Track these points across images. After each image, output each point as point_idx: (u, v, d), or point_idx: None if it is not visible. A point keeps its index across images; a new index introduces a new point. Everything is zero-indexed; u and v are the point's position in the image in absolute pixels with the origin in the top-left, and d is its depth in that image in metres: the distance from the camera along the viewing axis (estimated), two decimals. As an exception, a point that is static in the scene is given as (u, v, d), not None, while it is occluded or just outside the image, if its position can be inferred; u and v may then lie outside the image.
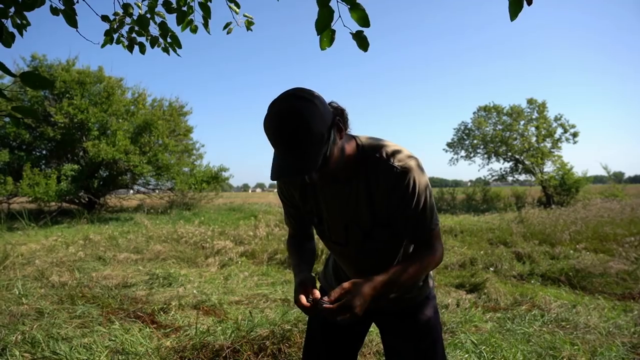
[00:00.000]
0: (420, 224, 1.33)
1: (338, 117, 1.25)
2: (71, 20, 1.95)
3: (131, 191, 19.42)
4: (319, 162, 1.17)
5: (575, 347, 3.09)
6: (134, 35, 2.81)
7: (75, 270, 5.70)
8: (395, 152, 1.32)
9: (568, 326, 3.63)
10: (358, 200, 1.36)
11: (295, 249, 1.62)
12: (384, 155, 1.31)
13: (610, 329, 3.50)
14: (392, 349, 1.64)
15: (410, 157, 1.31)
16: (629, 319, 3.80)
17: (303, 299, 1.27)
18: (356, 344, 1.74)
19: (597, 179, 26.15)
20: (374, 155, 1.32)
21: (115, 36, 2.80)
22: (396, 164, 1.29)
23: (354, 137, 1.36)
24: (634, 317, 3.87)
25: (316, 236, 1.67)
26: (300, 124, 1.13)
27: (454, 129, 24.11)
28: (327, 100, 1.27)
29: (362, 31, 1.68)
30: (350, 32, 1.69)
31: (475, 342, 3.13)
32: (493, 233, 8.87)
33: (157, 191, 18.37)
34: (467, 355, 2.83)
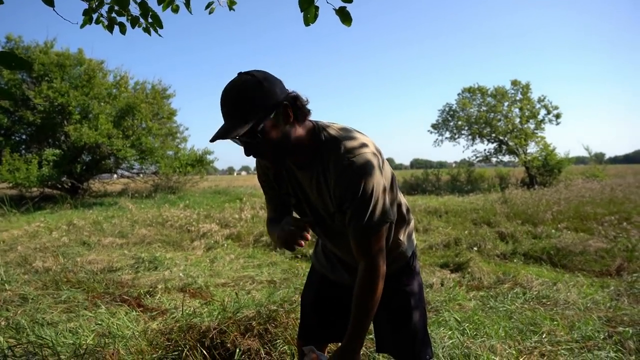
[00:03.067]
0: (360, 219, 1.29)
1: (288, 103, 1.27)
2: (47, -2, 1.89)
3: (115, 175, 19.18)
4: (242, 130, 1.20)
5: (555, 322, 3.18)
6: (113, 15, 2.74)
7: (60, 255, 5.65)
8: (353, 145, 1.31)
9: (548, 303, 3.72)
10: (319, 185, 1.38)
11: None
12: (341, 146, 1.31)
13: (588, 305, 3.60)
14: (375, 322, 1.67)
15: (362, 150, 1.29)
16: (606, 295, 3.92)
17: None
18: (348, 319, 1.77)
19: (579, 160, 26.56)
20: (330, 143, 1.33)
21: (95, 16, 2.73)
22: (345, 154, 1.29)
23: (314, 124, 1.37)
24: (610, 293, 3.99)
25: None
26: (234, 94, 1.23)
27: (439, 110, 24.18)
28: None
29: (345, 7, 1.67)
30: (334, 8, 1.68)
31: (459, 319, 3.19)
32: (477, 213, 8.98)
33: (141, 175, 18.16)
34: (450, 332, 2.89)
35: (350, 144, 1.31)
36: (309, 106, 1.33)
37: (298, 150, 1.33)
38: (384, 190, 1.32)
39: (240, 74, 1.26)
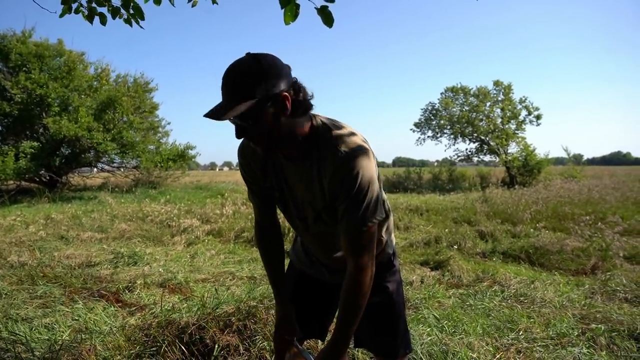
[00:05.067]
0: (353, 214, 1.29)
1: (288, 95, 1.23)
2: (24, -14, 1.84)
3: (95, 169, 18.85)
4: (234, 113, 1.17)
5: (531, 319, 3.23)
6: (94, 4, 2.69)
7: (36, 249, 5.54)
8: (346, 137, 1.30)
9: (526, 301, 3.78)
10: (311, 180, 1.36)
11: (265, 250, 1.64)
12: (334, 138, 1.30)
13: (564, 302, 3.67)
14: None
15: (360, 144, 1.29)
16: (581, 293, 4.00)
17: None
18: (327, 316, 1.77)
19: (558, 161, 27.05)
20: (325, 136, 1.32)
21: (75, 6, 2.68)
22: (343, 148, 1.27)
23: (311, 117, 1.35)
24: (584, 291, 4.07)
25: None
26: (236, 74, 1.20)
27: (422, 109, 24.38)
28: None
29: (326, 6, 1.66)
30: (315, 7, 1.67)
31: (438, 317, 3.22)
32: (458, 212, 9.08)
33: (122, 169, 17.86)
34: (429, 329, 2.92)
35: (347, 138, 1.30)
36: (312, 101, 1.31)
37: (291, 142, 1.30)
38: (377, 184, 1.32)
39: (248, 54, 1.22)
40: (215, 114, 1.18)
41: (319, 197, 1.37)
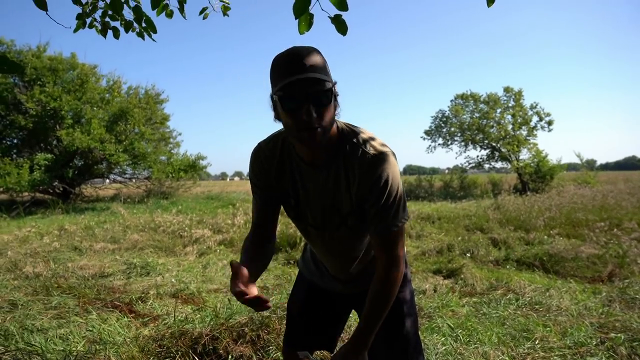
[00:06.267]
0: (385, 216, 1.31)
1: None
2: (40, 2, 1.88)
3: (107, 180, 19.08)
4: (328, 81, 1.18)
5: (548, 328, 3.18)
6: (107, 19, 2.74)
7: (50, 260, 5.59)
8: (372, 140, 1.32)
9: (541, 309, 3.73)
10: (337, 184, 1.35)
11: (250, 248, 1.45)
12: (361, 141, 1.31)
13: (580, 311, 3.61)
14: None
15: (385, 149, 1.31)
16: (598, 301, 3.93)
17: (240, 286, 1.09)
18: (336, 327, 1.76)
19: (571, 167, 26.76)
20: (351, 140, 1.32)
21: (88, 20, 2.73)
22: (371, 151, 1.29)
23: (337, 122, 1.35)
24: (602, 299, 4.00)
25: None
26: (317, 54, 1.20)
27: (432, 116, 24.39)
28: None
29: (340, 15, 1.67)
30: (329, 16, 1.67)
31: (452, 326, 3.19)
32: (470, 219, 9.00)
33: (133, 180, 18.05)
34: (443, 339, 2.89)
35: (372, 142, 1.31)
36: None
37: (327, 145, 1.30)
38: (402, 186, 1.34)
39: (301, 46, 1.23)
40: (309, 75, 1.14)
41: (347, 201, 1.37)
